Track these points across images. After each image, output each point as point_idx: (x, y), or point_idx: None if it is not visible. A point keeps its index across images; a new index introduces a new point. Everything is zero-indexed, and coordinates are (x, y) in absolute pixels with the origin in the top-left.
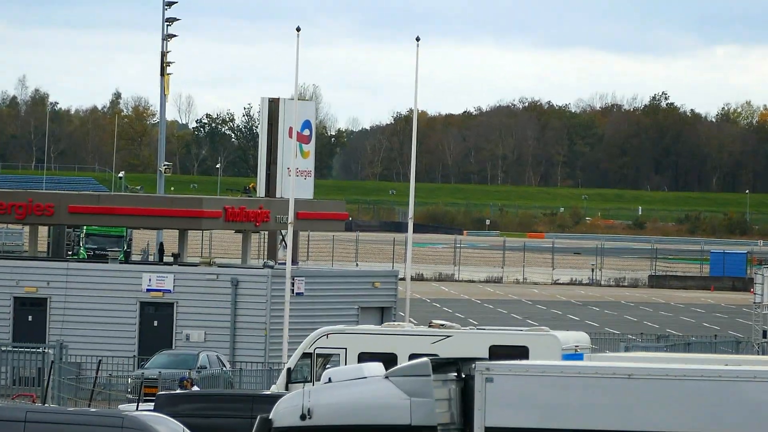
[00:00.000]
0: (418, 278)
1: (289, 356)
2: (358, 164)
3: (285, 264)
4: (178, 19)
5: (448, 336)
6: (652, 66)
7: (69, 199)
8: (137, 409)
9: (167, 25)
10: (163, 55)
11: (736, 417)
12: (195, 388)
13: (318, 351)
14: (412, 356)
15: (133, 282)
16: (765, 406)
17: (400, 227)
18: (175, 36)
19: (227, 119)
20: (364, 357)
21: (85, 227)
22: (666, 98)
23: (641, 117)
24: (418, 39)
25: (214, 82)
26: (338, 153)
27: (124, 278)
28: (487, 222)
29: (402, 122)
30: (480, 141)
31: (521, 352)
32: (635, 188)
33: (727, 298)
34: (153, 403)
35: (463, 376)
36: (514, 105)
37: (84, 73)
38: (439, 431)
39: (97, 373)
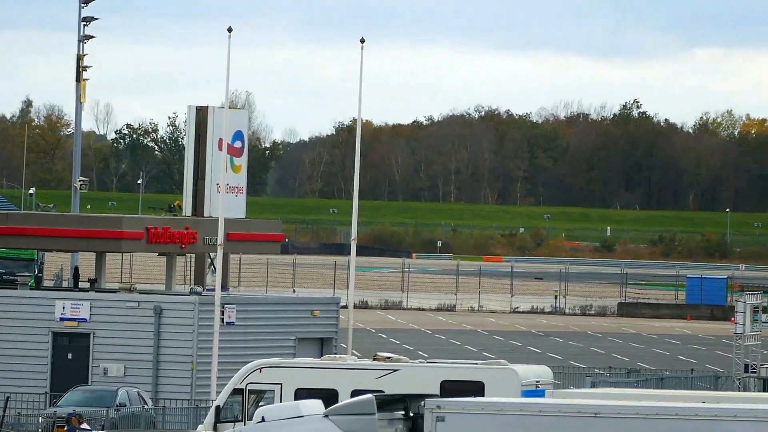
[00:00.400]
0: (362, 306)
1: (218, 392)
2: (296, 180)
3: (214, 290)
4: (96, 19)
5: (395, 370)
6: (624, 71)
7: None
8: None
9: (84, 25)
10: (79, 58)
11: None
12: (84, 426)
13: (250, 386)
14: (355, 392)
15: (45, 310)
16: None
17: (342, 249)
18: (92, 37)
19: (150, 130)
20: (301, 393)
21: None
22: (638, 107)
23: (610, 127)
24: (362, 41)
25: (135, 89)
26: (273, 167)
27: (35, 306)
28: (439, 244)
29: (344, 133)
30: (431, 154)
31: (476, 388)
32: (603, 206)
33: (705, 328)
34: None
35: (412, 414)
36: (470, 114)
37: None
38: None
39: (4, 412)
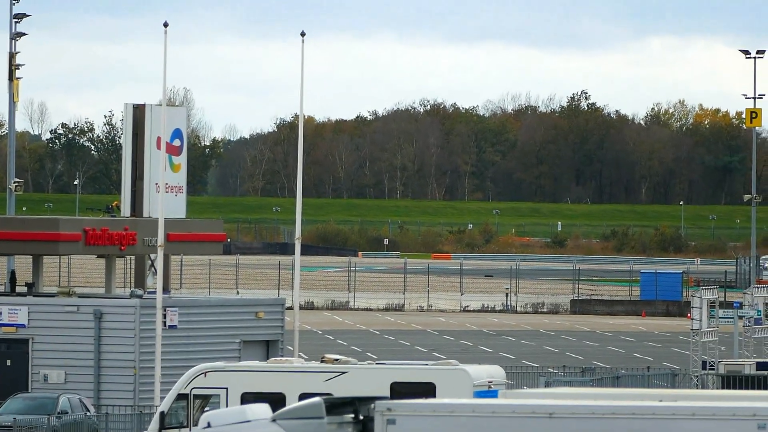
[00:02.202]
0: (308, 307)
1: (162, 398)
2: (237, 178)
3: (155, 293)
4: (29, 15)
5: (344, 372)
6: (573, 62)
7: None
8: None
9: (16, 22)
10: (12, 56)
11: None
12: None
13: (195, 391)
14: (303, 396)
15: None
16: None
17: (286, 249)
18: (25, 34)
19: (86, 129)
20: (247, 397)
21: None
22: (587, 98)
23: (559, 120)
24: (303, 34)
25: (70, 87)
26: (214, 166)
27: None
28: (386, 242)
29: (286, 129)
30: (376, 150)
31: (427, 390)
32: (554, 201)
33: (660, 325)
34: None
35: (362, 417)
36: (415, 108)
37: None
38: None
39: None
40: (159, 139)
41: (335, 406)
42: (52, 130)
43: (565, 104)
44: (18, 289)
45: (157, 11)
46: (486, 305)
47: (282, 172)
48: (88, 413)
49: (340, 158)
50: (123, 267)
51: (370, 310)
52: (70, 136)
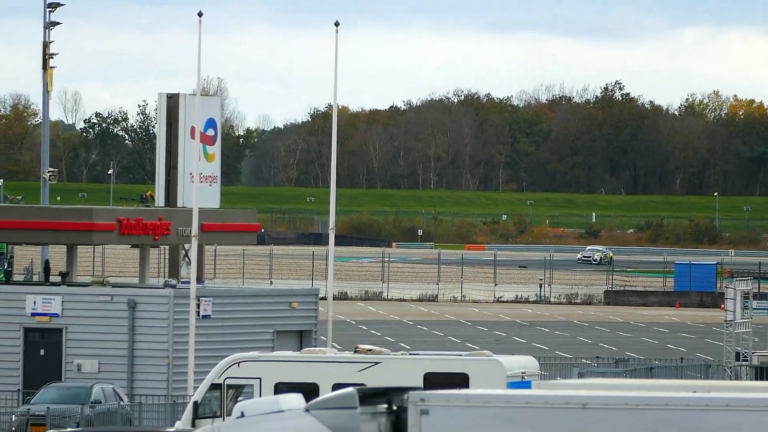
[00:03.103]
0: (342, 297)
1: (196, 388)
2: (271, 168)
3: (189, 283)
4: (62, 4)
5: (377, 363)
6: (608, 52)
7: None
8: None
9: (49, 11)
10: (45, 45)
11: None
12: None
13: (228, 381)
14: (336, 386)
15: (16, 305)
16: None
17: (320, 239)
18: (58, 24)
19: (120, 118)
20: (281, 387)
21: None
22: (621, 88)
23: (593, 110)
24: (337, 24)
25: (104, 77)
26: (248, 156)
27: (5, 301)
28: (419, 232)
29: (320, 119)
30: (410, 140)
31: (460, 380)
32: (588, 192)
33: (694, 316)
34: None
35: (395, 408)
36: (449, 98)
37: None
38: None
39: None
40: (193, 128)
41: (368, 396)
42: (86, 119)
43: (599, 94)
44: (52, 278)
45: (190, 2)
46: (519, 296)
47: (316, 162)
48: (121, 403)
49: (374, 148)
50: (157, 257)
51: (404, 300)
52: (104, 125)
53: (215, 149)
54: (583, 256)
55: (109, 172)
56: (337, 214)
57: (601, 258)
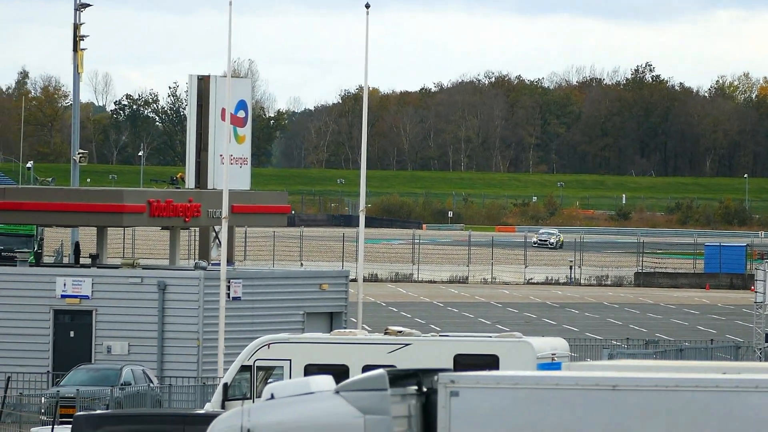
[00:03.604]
0: (372, 279)
1: (226, 370)
2: (301, 150)
3: (219, 265)
4: None
5: (407, 344)
6: (639, 34)
7: None
8: None
9: None
10: (76, 27)
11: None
12: None
13: (258, 363)
14: (366, 368)
15: (46, 287)
16: None
17: (350, 221)
18: (89, 5)
19: (150, 100)
20: (311, 369)
21: None
22: (651, 70)
23: (624, 92)
24: (368, 5)
25: (135, 58)
26: (278, 137)
27: (35, 283)
28: (450, 214)
29: (351, 101)
30: (440, 122)
31: (490, 362)
32: (618, 174)
33: (724, 298)
34: (70, 426)
35: (425, 389)
36: (480, 80)
37: None
38: None
39: (6, 392)
40: (223, 110)
41: (398, 378)
42: (116, 101)
43: (629, 76)
44: (82, 260)
45: None
46: (550, 278)
47: (346, 144)
48: (151, 384)
49: (404, 130)
50: (187, 239)
51: (434, 282)
52: (134, 107)
53: (246, 131)
54: (539, 240)
55: (140, 153)
56: (367, 196)
57: (556, 242)
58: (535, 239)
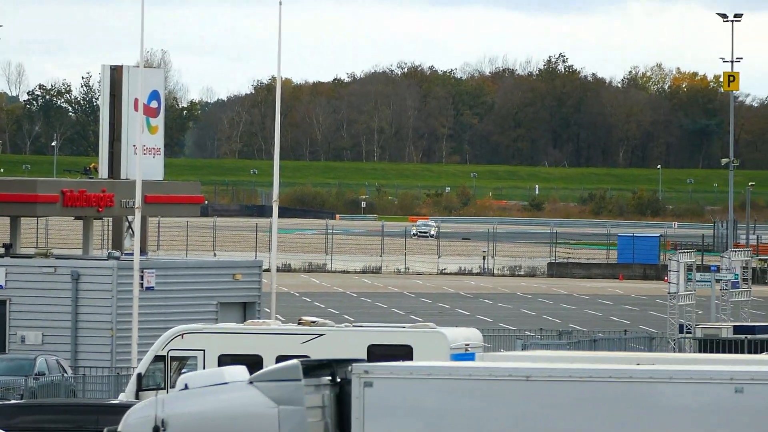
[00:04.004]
0: (285, 269)
1: (140, 360)
2: (214, 140)
3: (132, 254)
4: None
5: (321, 335)
6: (552, 24)
7: None
8: None
9: None
10: None
11: (649, 423)
12: None
13: (172, 353)
14: (280, 358)
15: None
16: (682, 411)
17: (264, 211)
18: None
19: (63, 90)
20: (224, 359)
21: None
22: (564, 61)
23: (536, 83)
24: None
25: (48, 49)
26: (191, 128)
27: None
28: (363, 204)
29: (264, 92)
30: (353, 113)
31: (404, 352)
32: (531, 164)
33: (637, 288)
34: None
35: (339, 380)
36: (392, 71)
37: None
38: None
39: None
40: (136, 100)
41: (312, 368)
42: (29, 91)
43: (542, 67)
44: None
45: None
46: (463, 268)
47: (259, 134)
48: (65, 375)
49: (317, 121)
50: (100, 229)
51: (348, 272)
52: (47, 97)
53: (158, 121)
54: (419, 231)
55: (53, 144)
56: (280, 186)
57: (435, 233)
58: (414, 231)
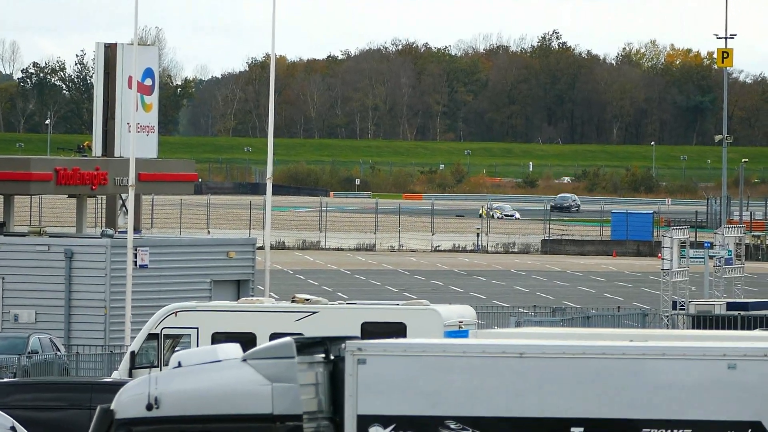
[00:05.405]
0: (279, 247)
1: (133, 338)
2: (209, 118)
3: (126, 232)
4: None
5: (314, 312)
6: (546, 1)
7: None
8: None
9: None
10: None
11: (642, 399)
12: None
13: (166, 331)
14: (274, 336)
15: None
16: (675, 388)
17: (258, 189)
18: None
19: (57, 68)
20: (218, 337)
21: None
22: (558, 38)
23: (531, 60)
24: None
25: (43, 27)
26: (185, 105)
27: None
28: (357, 182)
29: (258, 69)
30: (347, 90)
31: (398, 330)
32: (525, 141)
33: (631, 265)
34: None
35: (332, 357)
36: (387, 48)
37: None
38: (305, 421)
39: None
40: (130, 78)
41: (306, 345)
42: (23, 69)
43: (536, 44)
44: None
45: None
46: (457, 245)
47: (254, 112)
48: (58, 353)
49: (311, 98)
50: (94, 207)
51: (341, 250)
52: (41, 75)
53: (153, 99)
54: (505, 214)
55: (47, 122)
56: (274, 164)
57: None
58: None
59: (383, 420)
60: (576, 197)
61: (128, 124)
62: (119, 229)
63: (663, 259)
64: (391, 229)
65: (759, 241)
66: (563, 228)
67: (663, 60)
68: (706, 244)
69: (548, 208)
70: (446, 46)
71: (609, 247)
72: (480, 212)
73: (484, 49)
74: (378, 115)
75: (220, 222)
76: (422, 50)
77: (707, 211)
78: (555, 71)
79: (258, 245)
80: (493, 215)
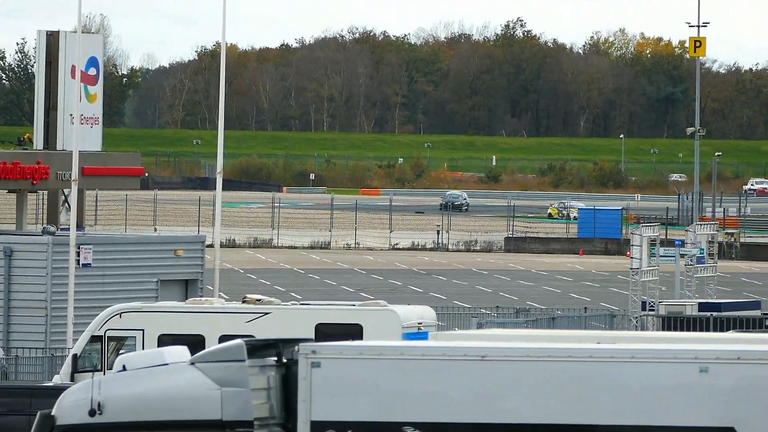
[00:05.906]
0: (230, 245)
1: (75, 340)
2: (156, 109)
3: (68, 229)
4: None
5: (266, 313)
6: None
7: None
8: None
9: None
10: None
11: (610, 404)
12: None
13: (110, 333)
14: (223, 338)
15: None
16: (645, 392)
17: (207, 184)
18: None
19: None
20: (165, 340)
21: None
22: (522, 26)
23: (493, 49)
24: None
25: None
26: (131, 96)
27: None
28: (312, 176)
29: (208, 58)
30: (302, 80)
31: (354, 331)
32: (488, 134)
33: (598, 264)
34: None
35: (285, 360)
36: (343, 36)
37: None
38: (256, 427)
39: None
40: (74, 67)
41: (257, 348)
42: None
43: (499, 32)
44: None
45: None
46: (416, 243)
47: (203, 103)
48: None
49: (264, 89)
50: (35, 202)
51: (295, 248)
52: None
53: (97, 89)
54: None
55: None
56: (224, 158)
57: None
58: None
59: (338, 426)
60: (466, 195)
61: (71, 115)
62: (61, 226)
63: (632, 257)
64: (348, 226)
65: (732, 239)
66: (528, 225)
67: (632, 49)
68: (677, 242)
69: (439, 206)
70: (405, 35)
71: (576, 245)
72: (549, 212)
73: (445, 38)
74: (334, 106)
75: (168, 219)
76: (380, 38)
77: (678, 208)
78: (519, 61)
79: (207, 243)
80: (568, 214)
